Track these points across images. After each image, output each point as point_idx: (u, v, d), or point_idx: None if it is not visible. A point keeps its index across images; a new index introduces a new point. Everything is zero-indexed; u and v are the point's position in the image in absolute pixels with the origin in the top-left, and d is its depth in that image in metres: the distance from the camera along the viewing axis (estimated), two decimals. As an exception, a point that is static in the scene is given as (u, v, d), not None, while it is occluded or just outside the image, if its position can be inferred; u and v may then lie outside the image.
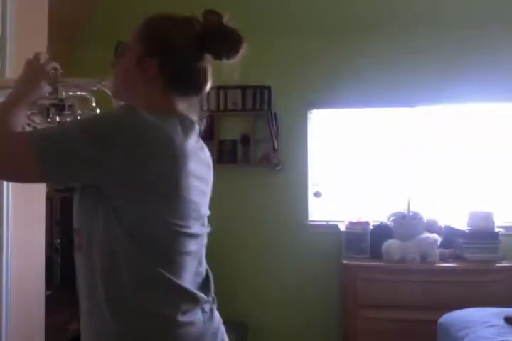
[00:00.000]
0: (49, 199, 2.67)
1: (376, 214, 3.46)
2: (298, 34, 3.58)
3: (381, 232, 3.28)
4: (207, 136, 3.70)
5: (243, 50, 1.11)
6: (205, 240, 1.17)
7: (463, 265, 3.11)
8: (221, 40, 1.10)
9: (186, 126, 1.07)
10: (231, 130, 3.69)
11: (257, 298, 3.64)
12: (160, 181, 1.00)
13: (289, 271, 3.60)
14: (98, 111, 1.30)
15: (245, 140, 3.62)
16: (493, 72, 3.41)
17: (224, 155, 3.63)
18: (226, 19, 1.11)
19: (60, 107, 1.26)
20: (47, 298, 2.29)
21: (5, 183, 1.96)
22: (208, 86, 1.15)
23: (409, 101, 3.54)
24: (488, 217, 3.22)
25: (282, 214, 3.64)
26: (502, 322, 2.54)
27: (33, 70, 1.18)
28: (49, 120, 1.27)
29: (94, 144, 0.95)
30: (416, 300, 3.00)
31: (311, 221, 3.65)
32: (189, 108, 1.14)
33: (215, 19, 1.11)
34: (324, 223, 3.63)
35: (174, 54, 1.10)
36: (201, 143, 1.16)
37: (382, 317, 3.01)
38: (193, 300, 1.09)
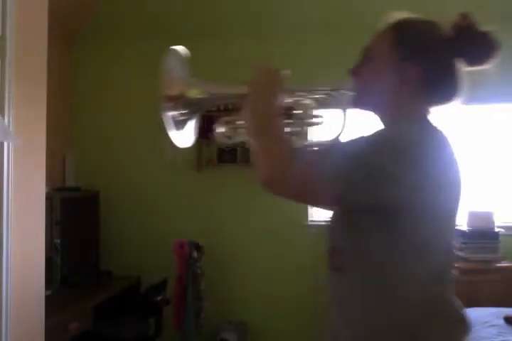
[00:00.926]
0: (49, 199, 2.68)
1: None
2: (298, 34, 3.58)
3: (381, 232, 3.28)
4: (206, 136, 3.71)
5: (497, 56, 1.02)
6: None
7: (463, 265, 3.10)
8: (475, 44, 1.02)
9: (445, 136, 1.02)
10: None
11: (257, 297, 3.63)
12: (448, 200, 0.99)
13: (289, 270, 3.60)
14: (321, 119, 1.22)
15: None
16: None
17: (224, 155, 3.63)
18: (478, 22, 1.02)
19: (286, 116, 1.18)
20: (47, 298, 2.29)
21: (5, 183, 1.96)
22: (461, 94, 1.06)
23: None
24: (488, 217, 3.22)
25: (282, 214, 3.63)
26: (502, 322, 2.54)
27: (271, 81, 1.11)
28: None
29: (397, 163, 0.90)
30: (416, 300, 2.99)
31: (311, 221, 3.64)
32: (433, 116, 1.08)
33: (467, 22, 1.02)
34: (324, 223, 3.62)
35: (434, 58, 1.04)
36: None
37: (382, 317, 3.01)
38: (466, 325, 1.03)
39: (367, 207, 0.95)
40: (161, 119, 3.49)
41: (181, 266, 3.29)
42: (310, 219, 3.65)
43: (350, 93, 1.12)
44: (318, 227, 3.63)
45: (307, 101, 1.19)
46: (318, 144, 1.15)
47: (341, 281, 1.04)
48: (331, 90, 1.15)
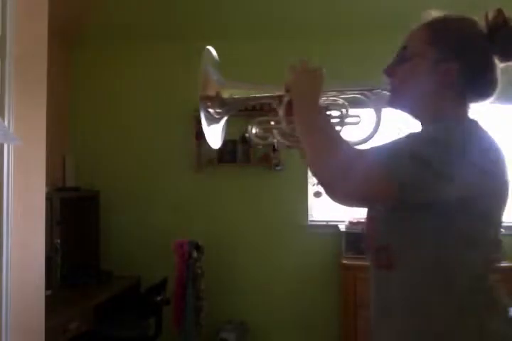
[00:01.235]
0: (49, 199, 2.68)
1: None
2: (298, 35, 3.58)
3: (381, 232, 3.28)
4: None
5: None
6: None
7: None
8: (510, 41, 1.01)
9: (489, 133, 1.01)
10: (231, 130, 3.65)
11: (257, 297, 3.64)
12: (498, 193, 0.98)
13: (289, 270, 3.60)
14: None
15: (245, 140, 3.62)
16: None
17: (224, 155, 3.63)
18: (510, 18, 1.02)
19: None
20: (47, 298, 2.29)
21: (5, 183, 1.96)
22: (497, 90, 1.06)
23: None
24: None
25: (282, 214, 3.64)
26: (502, 322, 2.53)
27: (314, 79, 1.11)
28: None
29: (449, 159, 0.90)
30: (416, 300, 3.00)
31: (311, 221, 3.65)
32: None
33: (500, 18, 1.01)
34: (324, 223, 3.63)
35: (473, 57, 1.03)
36: None
37: (382, 317, 3.01)
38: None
39: (420, 203, 0.95)
40: (161, 120, 3.50)
41: (181, 266, 3.29)
42: (310, 219, 3.65)
43: (386, 93, 1.11)
44: (318, 227, 3.64)
45: (342, 101, 1.19)
46: (354, 144, 1.14)
47: (388, 279, 1.03)
48: (365, 90, 1.15)
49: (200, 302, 3.31)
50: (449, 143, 0.91)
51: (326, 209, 3.67)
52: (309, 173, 3.64)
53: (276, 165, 3.56)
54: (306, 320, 3.57)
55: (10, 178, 1.98)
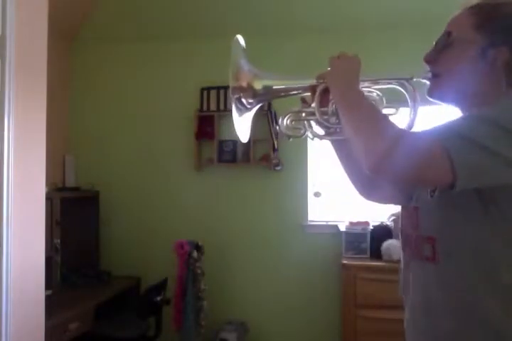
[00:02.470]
0: (49, 199, 2.68)
1: (376, 214, 3.46)
2: (298, 35, 3.58)
3: (381, 232, 3.28)
4: (207, 136, 3.71)
5: None
6: None
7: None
8: None
9: None
10: (231, 130, 3.66)
11: (257, 298, 3.64)
12: None
13: (288, 271, 3.60)
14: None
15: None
16: None
17: (224, 155, 3.63)
18: None
19: None
20: (47, 298, 2.29)
21: (5, 183, 1.96)
22: None
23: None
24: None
25: (282, 214, 3.64)
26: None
27: (351, 61, 1.08)
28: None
29: (509, 144, 0.83)
30: (416, 300, 2.99)
31: (310, 221, 3.64)
32: None
33: None
34: (324, 223, 3.63)
35: None
36: None
37: (382, 317, 3.01)
38: None
39: (473, 190, 0.90)
40: (161, 120, 3.51)
41: (181, 266, 3.29)
42: (310, 219, 3.65)
43: (426, 82, 1.06)
44: (317, 227, 3.64)
45: (377, 92, 1.16)
46: None
47: (432, 272, 0.99)
48: (403, 79, 1.10)
49: (200, 302, 3.31)
50: (507, 124, 0.86)
51: (325, 210, 3.67)
52: (309, 173, 3.64)
53: (276, 165, 3.56)
54: (305, 320, 3.57)
55: (10, 178, 1.98)
